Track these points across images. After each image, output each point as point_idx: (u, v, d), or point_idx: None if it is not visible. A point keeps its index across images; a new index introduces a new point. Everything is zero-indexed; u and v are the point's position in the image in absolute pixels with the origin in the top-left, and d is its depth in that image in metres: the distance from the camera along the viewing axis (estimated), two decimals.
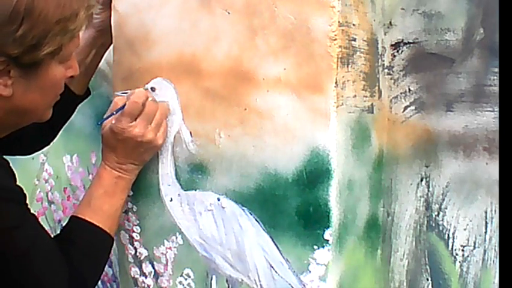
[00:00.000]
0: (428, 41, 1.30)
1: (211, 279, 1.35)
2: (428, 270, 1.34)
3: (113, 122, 1.29)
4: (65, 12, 1.11)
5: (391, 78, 1.34)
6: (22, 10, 1.07)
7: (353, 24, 1.23)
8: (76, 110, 1.53)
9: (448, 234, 1.32)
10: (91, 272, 1.28)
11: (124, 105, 1.30)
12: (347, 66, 1.22)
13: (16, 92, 1.15)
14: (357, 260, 1.31)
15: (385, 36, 1.33)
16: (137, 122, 1.29)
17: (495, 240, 1.27)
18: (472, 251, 1.29)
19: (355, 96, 1.25)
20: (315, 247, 1.23)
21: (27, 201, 1.19)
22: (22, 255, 1.15)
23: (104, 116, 1.33)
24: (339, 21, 1.19)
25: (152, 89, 1.36)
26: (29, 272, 1.16)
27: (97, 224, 1.28)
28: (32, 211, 1.20)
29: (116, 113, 1.30)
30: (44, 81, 1.17)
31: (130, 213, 1.45)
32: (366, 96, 1.29)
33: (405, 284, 1.37)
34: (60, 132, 1.55)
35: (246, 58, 1.26)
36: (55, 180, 1.83)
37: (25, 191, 1.18)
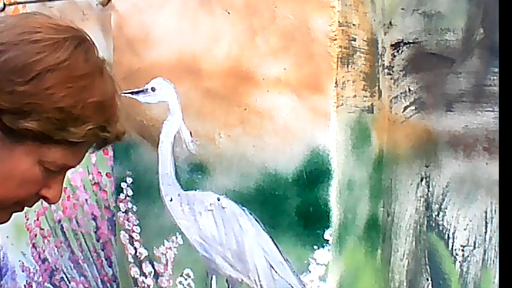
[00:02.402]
0: (428, 41, 1.30)
1: (211, 279, 1.35)
2: (428, 270, 1.34)
3: None
4: (73, 108, 0.97)
5: (391, 78, 1.34)
6: (38, 70, 0.95)
7: (353, 24, 1.23)
8: None
9: (448, 234, 1.32)
10: None
11: None
12: (347, 66, 1.22)
13: None
14: (357, 260, 1.31)
15: (385, 36, 1.33)
16: None
17: (495, 240, 1.27)
18: (472, 251, 1.29)
19: (355, 96, 1.25)
20: (315, 247, 1.23)
21: None
22: None
23: None
24: (339, 21, 1.19)
25: (152, 89, 1.36)
26: None
27: None
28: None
29: None
30: (12, 166, 1.00)
31: (130, 213, 1.45)
32: (366, 96, 1.29)
33: (405, 284, 1.37)
34: None
35: (246, 58, 1.26)
36: None
37: None
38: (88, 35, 1.04)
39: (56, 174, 1.05)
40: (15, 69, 0.95)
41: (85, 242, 1.71)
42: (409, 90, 1.33)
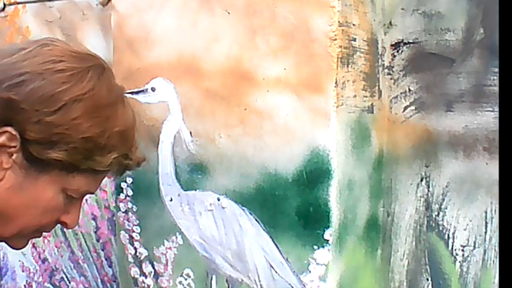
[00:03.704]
0: (428, 41, 1.30)
1: (211, 279, 1.35)
2: (428, 270, 1.34)
3: None
4: (99, 138, 0.99)
5: (391, 78, 1.34)
6: (64, 100, 0.96)
7: (353, 24, 1.23)
8: None
9: (448, 234, 1.32)
10: None
11: None
12: (347, 66, 1.22)
13: (6, 182, 0.99)
14: (357, 260, 1.31)
15: (385, 36, 1.33)
16: None
17: (495, 240, 1.27)
18: (472, 251, 1.29)
19: (355, 96, 1.25)
20: (315, 247, 1.23)
21: None
22: None
23: None
24: (339, 21, 1.19)
25: (152, 89, 1.36)
26: None
27: None
28: None
29: None
30: (37, 195, 1.01)
31: (130, 213, 1.45)
32: (366, 96, 1.29)
33: (405, 284, 1.37)
34: None
35: (246, 58, 1.26)
36: None
37: None
38: (105, 62, 1.05)
39: (75, 201, 1.06)
40: (41, 99, 0.95)
41: (85, 242, 1.71)
42: (409, 90, 1.33)
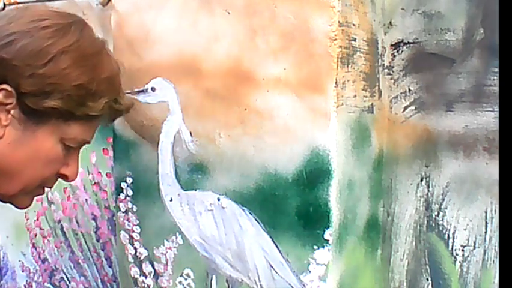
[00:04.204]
0: (428, 41, 1.30)
1: (211, 279, 1.35)
2: (428, 270, 1.34)
3: None
4: (89, 84, 1.07)
5: (391, 78, 1.34)
6: (53, 53, 1.04)
7: (353, 24, 1.23)
8: None
9: (448, 234, 1.32)
10: None
11: None
12: (347, 66, 1.22)
13: (6, 138, 1.06)
14: (357, 260, 1.31)
15: (385, 36, 1.33)
16: None
17: (495, 240, 1.27)
18: (472, 251, 1.29)
19: (355, 96, 1.25)
20: (315, 247, 1.23)
21: None
22: None
23: None
24: (339, 21, 1.19)
25: (152, 89, 1.36)
26: None
27: None
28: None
29: None
30: (37, 147, 1.08)
31: (130, 213, 1.45)
32: (366, 96, 1.29)
33: (405, 284, 1.37)
34: None
35: (246, 58, 1.26)
36: None
37: None
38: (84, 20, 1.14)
39: (73, 151, 1.14)
40: (31, 55, 1.03)
41: (85, 242, 1.71)
42: (409, 90, 1.33)
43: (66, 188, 1.77)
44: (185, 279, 1.39)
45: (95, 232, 1.69)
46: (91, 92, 1.07)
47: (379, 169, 1.35)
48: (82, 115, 1.09)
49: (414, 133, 1.33)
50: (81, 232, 1.72)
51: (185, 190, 1.37)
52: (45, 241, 1.77)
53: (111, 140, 1.51)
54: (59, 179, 1.19)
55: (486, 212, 1.27)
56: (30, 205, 1.17)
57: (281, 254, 1.27)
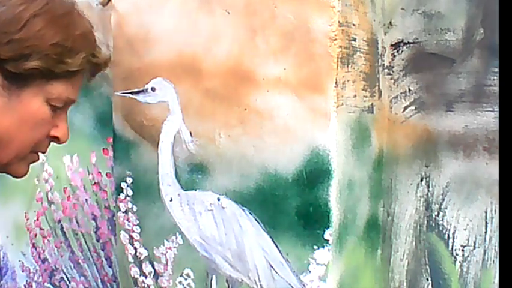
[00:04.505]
0: (428, 41, 1.30)
1: (211, 279, 1.35)
2: (428, 270, 1.34)
3: None
4: (65, 41, 1.10)
5: (391, 78, 1.34)
6: (26, 17, 1.08)
7: (353, 24, 1.23)
8: (76, 110, 1.53)
9: (448, 234, 1.32)
10: None
11: None
12: (347, 66, 1.22)
13: None
14: (357, 260, 1.31)
15: (385, 36, 1.33)
16: None
17: (495, 240, 1.27)
18: (472, 251, 1.29)
19: (355, 96, 1.25)
20: (315, 247, 1.23)
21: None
22: None
23: None
24: (339, 21, 1.19)
25: (152, 89, 1.36)
26: None
27: None
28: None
29: None
30: (25, 110, 1.11)
31: (130, 213, 1.45)
32: (366, 96, 1.29)
33: (405, 284, 1.37)
34: None
35: (246, 58, 1.26)
36: (55, 180, 1.83)
37: None
38: None
39: (60, 111, 1.17)
40: (6, 22, 1.07)
41: (85, 242, 1.71)
42: (409, 90, 1.33)
43: (66, 188, 1.77)
44: (185, 279, 1.39)
45: (95, 232, 1.69)
46: (68, 48, 1.11)
47: (379, 169, 1.35)
48: (62, 72, 1.12)
49: (414, 133, 1.33)
50: (81, 232, 1.72)
51: (185, 190, 1.37)
52: (45, 241, 1.77)
53: (111, 140, 1.51)
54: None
55: (486, 212, 1.27)
56: (26, 173, 1.19)
57: (281, 254, 1.27)
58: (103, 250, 1.68)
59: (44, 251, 1.79)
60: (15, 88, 1.10)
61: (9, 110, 1.10)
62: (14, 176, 1.19)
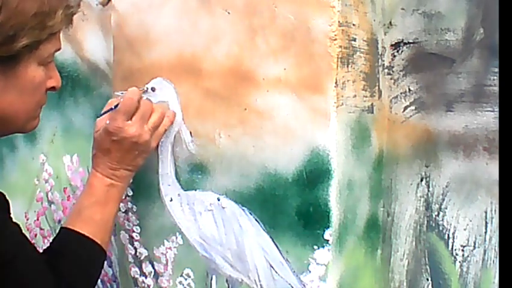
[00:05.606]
0: (428, 41, 1.30)
1: (211, 279, 1.35)
2: (428, 270, 1.34)
3: (108, 122, 1.28)
4: (42, 7, 1.13)
5: (391, 78, 1.34)
6: (0, 0, 1.10)
7: (353, 24, 1.23)
8: (76, 110, 1.53)
9: (448, 234, 1.32)
10: (83, 286, 1.24)
11: (118, 104, 1.28)
12: (347, 66, 1.22)
13: None
14: (357, 260, 1.31)
15: (385, 36, 1.33)
16: (133, 121, 1.27)
17: (495, 240, 1.27)
18: (472, 251, 1.29)
19: (355, 96, 1.25)
20: (315, 247, 1.23)
21: (11, 210, 1.18)
22: (4, 263, 1.12)
23: (99, 115, 1.33)
24: (339, 21, 1.19)
25: (152, 89, 1.36)
26: (11, 282, 1.13)
27: (88, 235, 1.25)
28: (14, 220, 1.18)
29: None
30: (23, 82, 1.16)
31: (130, 213, 1.45)
32: (366, 96, 1.29)
33: (405, 284, 1.37)
34: (61, 132, 1.54)
35: (246, 58, 1.26)
36: (55, 180, 1.83)
37: (8, 198, 1.17)
38: None
39: (50, 64, 1.21)
40: None
41: None
42: (409, 90, 1.33)
43: (66, 188, 1.77)
44: (185, 279, 1.39)
45: None
46: (46, 12, 1.14)
47: (379, 169, 1.35)
48: (47, 36, 1.16)
49: (414, 133, 1.33)
50: None
51: (185, 190, 1.37)
52: (45, 241, 1.77)
53: None
54: None
55: (486, 212, 1.27)
56: (37, 125, 1.25)
57: (281, 254, 1.27)
58: None
59: None
60: (10, 69, 1.13)
61: (9, 89, 1.15)
62: (27, 132, 1.27)
